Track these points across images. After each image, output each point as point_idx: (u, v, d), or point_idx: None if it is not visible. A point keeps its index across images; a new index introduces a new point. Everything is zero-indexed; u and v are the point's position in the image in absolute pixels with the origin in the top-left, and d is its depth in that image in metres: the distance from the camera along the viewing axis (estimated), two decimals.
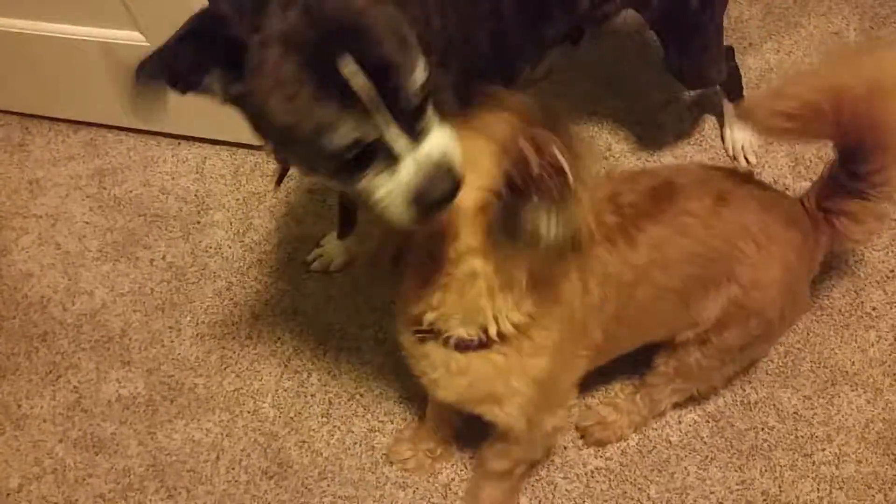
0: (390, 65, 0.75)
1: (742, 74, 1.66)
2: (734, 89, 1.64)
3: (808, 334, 1.49)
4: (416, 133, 0.79)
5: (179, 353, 1.55)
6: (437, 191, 0.79)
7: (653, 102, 1.80)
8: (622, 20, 1.91)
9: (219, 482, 1.42)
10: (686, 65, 1.49)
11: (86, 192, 1.77)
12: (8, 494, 1.43)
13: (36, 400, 1.52)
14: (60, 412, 1.51)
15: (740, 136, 1.68)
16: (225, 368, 1.53)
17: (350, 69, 0.72)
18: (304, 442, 1.45)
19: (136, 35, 1.55)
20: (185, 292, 1.61)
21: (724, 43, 1.60)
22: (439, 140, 0.81)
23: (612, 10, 1.38)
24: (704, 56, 1.48)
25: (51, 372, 1.55)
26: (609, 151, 1.73)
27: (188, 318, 1.59)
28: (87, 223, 1.73)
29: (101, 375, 1.54)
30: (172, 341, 1.56)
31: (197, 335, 1.57)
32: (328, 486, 1.41)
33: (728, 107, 1.67)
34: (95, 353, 1.56)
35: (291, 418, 1.47)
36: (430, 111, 0.81)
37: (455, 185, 0.80)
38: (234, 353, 1.54)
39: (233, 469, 1.43)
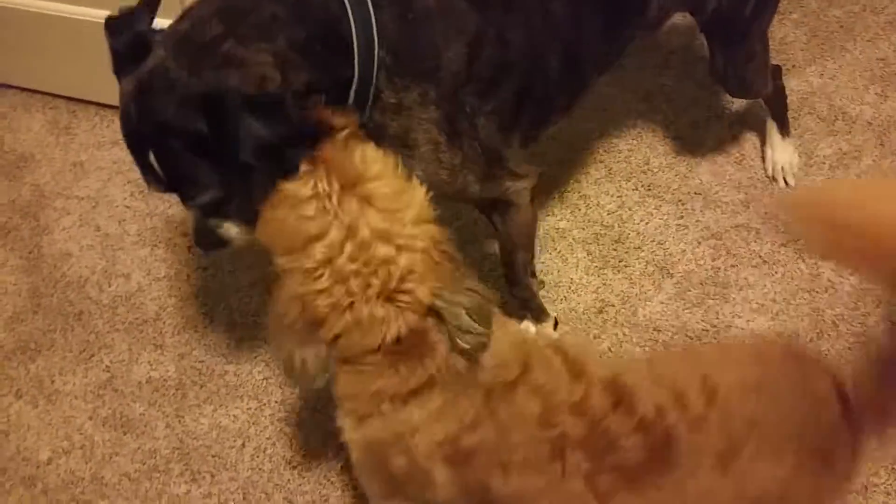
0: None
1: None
2: (778, 108, 1.64)
3: (840, 360, 1.47)
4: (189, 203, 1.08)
5: (211, 340, 1.57)
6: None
7: (693, 118, 1.80)
8: (665, 35, 1.92)
9: (243, 469, 1.43)
10: (731, 71, 1.50)
11: (127, 176, 1.80)
12: (38, 466, 1.45)
13: (69, 377, 1.55)
14: (92, 390, 1.53)
15: (781, 157, 1.67)
16: (255, 357, 1.55)
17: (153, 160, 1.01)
18: (330, 434, 1.45)
19: None
20: (221, 280, 1.64)
21: (773, 64, 1.61)
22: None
23: (670, 14, 1.40)
24: (749, 64, 1.49)
25: (84, 350, 1.58)
26: (647, 166, 1.74)
27: (222, 306, 1.61)
28: (127, 207, 1.76)
29: (133, 357, 1.56)
30: (206, 327, 1.59)
31: (230, 323, 1.59)
32: (350, 479, 1.41)
33: (771, 126, 1.67)
34: (129, 334, 1.59)
35: (318, 410, 1.48)
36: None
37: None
38: (265, 342, 1.56)
39: (257, 457, 1.44)
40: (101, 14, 1.65)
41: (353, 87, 1.05)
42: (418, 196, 0.94)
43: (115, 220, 1.74)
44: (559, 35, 1.20)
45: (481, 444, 0.96)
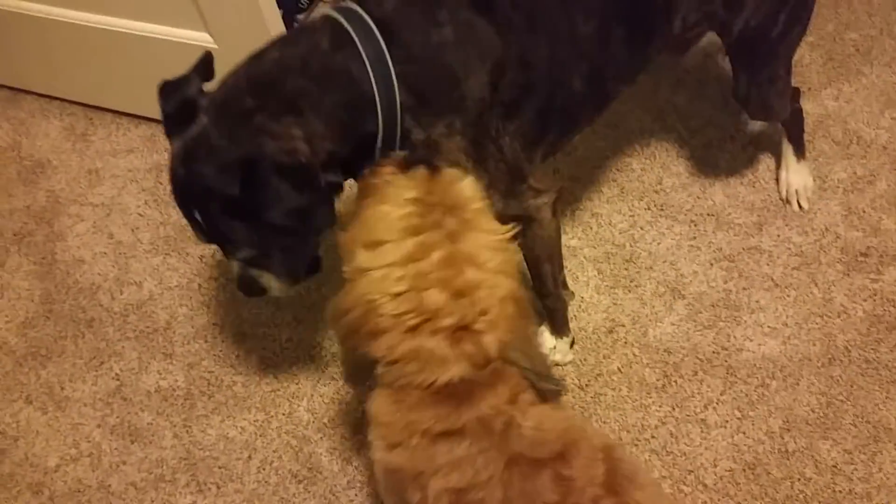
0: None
1: None
2: (795, 131, 1.64)
3: (852, 386, 1.46)
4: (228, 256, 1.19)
5: (221, 350, 1.57)
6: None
7: (707, 139, 1.79)
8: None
9: (249, 481, 1.43)
10: (754, 93, 1.49)
11: (142, 185, 1.81)
12: (45, 473, 1.46)
13: (78, 384, 1.56)
14: (101, 398, 1.54)
15: (795, 180, 1.66)
16: (264, 369, 1.55)
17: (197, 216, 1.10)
18: (335, 449, 1.46)
19: (205, 36, 1.60)
20: (232, 290, 1.64)
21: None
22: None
23: (696, 34, 1.40)
24: (772, 87, 1.48)
25: (94, 358, 1.59)
26: (660, 186, 1.73)
27: (232, 317, 1.61)
28: (140, 216, 1.77)
29: (142, 365, 1.57)
30: (215, 337, 1.59)
31: (239, 334, 1.59)
32: (356, 495, 1.41)
33: (787, 148, 1.66)
34: (139, 343, 1.60)
35: (325, 424, 1.48)
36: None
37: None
38: (275, 354, 1.56)
39: (263, 469, 1.44)
40: (119, 23, 1.68)
41: (379, 136, 1.09)
42: (510, 250, 0.96)
43: (129, 227, 1.75)
44: (582, 53, 1.20)
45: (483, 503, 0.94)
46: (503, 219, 1.26)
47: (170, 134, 1.11)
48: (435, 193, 0.93)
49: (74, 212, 1.79)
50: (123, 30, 1.69)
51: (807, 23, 1.43)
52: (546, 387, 0.95)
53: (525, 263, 1.38)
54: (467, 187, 0.96)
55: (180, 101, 1.09)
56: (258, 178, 1.02)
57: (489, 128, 1.13)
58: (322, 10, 1.11)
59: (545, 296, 1.43)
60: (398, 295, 0.90)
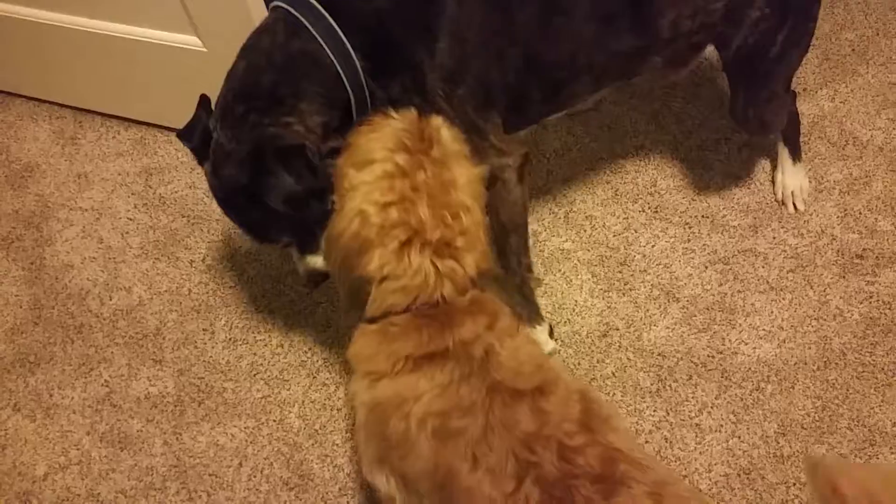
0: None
1: None
2: (792, 134, 1.62)
3: (847, 390, 1.45)
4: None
5: (211, 356, 1.56)
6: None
7: (702, 140, 1.78)
8: None
9: (239, 489, 1.42)
10: (752, 112, 1.47)
11: (132, 188, 1.80)
12: (34, 481, 1.44)
13: (67, 391, 1.54)
14: (90, 405, 1.52)
15: (791, 182, 1.65)
16: (255, 375, 1.53)
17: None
18: (326, 456, 1.44)
19: (194, 40, 1.58)
20: (222, 296, 1.63)
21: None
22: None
23: (692, 43, 1.35)
24: (769, 106, 1.46)
25: (84, 364, 1.57)
26: (654, 188, 1.72)
27: (223, 322, 1.60)
28: (130, 220, 1.75)
29: (132, 372, 1.55)
30: (205, 343, 1.57)
31: (230, 339, 1.57)
32: (348, 502, 1.40)
33: (783, 150, 1.65)
34: (129, 349, 1.58)
35: (316, 431, 1.47)
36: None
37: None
38: (265, 360, 1.55)
39: (254, 477, 1.43)
40: (109, 27, 1.67)
41: (353, 101, 1.20)
42: (482, 184, 1.05)
43: (118, 232, 1.74)
44: (516, 39, 1.23)
45: (466, 431, 0.97)
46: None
47: (202, 163, 1.25)
48: (423, 126, 1.02)
49: (63, 216, 1.77)
50: (113, 33, 1.67)
51: (807, 46, 1.41)
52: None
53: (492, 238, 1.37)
54: (450, 131, 1.05)
55: (200, 136, 1.23)
56: (264, 165, 1.14)
57: (436, 87, 1.20)
58: (272, 4, 1.21)
59: (509, 274, 1.43)
60: (387, 205, 0.96)
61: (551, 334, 1.52)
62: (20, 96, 1.97)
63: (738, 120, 1.51)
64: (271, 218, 1.20)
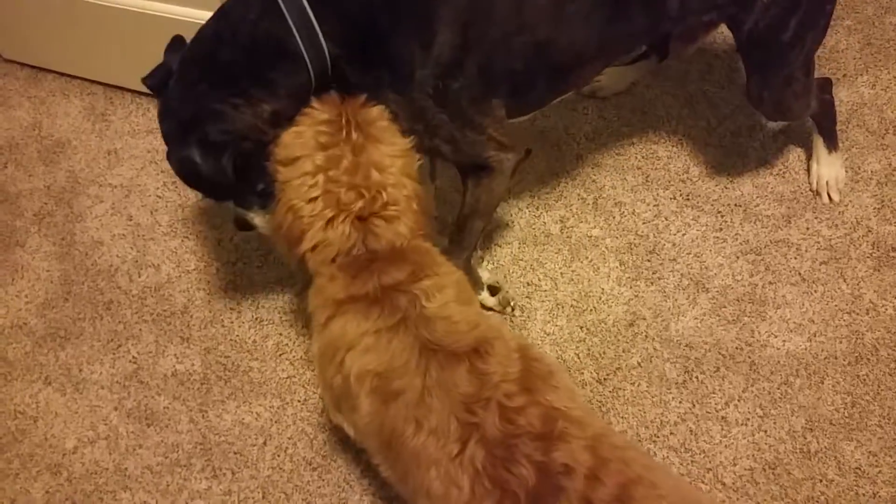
0: None
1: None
2: (826, 123, 1.58)
3: (879, 386, 1.42)
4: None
5: (238, 335, 1.57)
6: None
7: (736, 127, 1.74)
8: (709, 40, 1.86)
9: (263, 468, 1.44)
10: (767, 96, 1.44)
11: (161, 166, 1.80)
12: (64, 454, 1.47)
13: (96, 366, 1.56)
14: (118, 381, 1.54)
15: (826, 172, 1.61)
16: (280, 355, 1.54)
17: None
18: (349, 437, 1.45)
19: None
20: (250, 276, 1.63)
21: (822, 75, 1.55)
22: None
23: (703, 21, 1.35)
24: (787, 90, 1.43)
25: (112, 340, 1.59)
26: (686, 175, 1.69)
27: (249, 301, 1.60)
28: (159, 197, 1.76)
29: (160, 349, 1.57)
30: (232, 322, 1.58)
31: (256, 319, 1.58)
32: (369, 484, 1.41)
33: (818, 139, 1.61)
34: (157, 325, 1.60)
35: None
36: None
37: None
38: (291, 340, 1.55)
39: (278, 456, 1.44)
40: (140, 3, 1.66)
41: (313, 86, 1.18)
42: (411, 157, 1.14)
43: (148, 209, 1.75)
44: (526, 22, 1.20)
45: (404, 394, 1.02)
46: (461, 164, 1.33)
47: (157, 94, 1.28)
48: (344, 114, 1.11)
49: (94, 192, 1.78)
50: (146, 10, 1.67)
51: (823, 27, 1.37)
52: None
53: (458, 214, 1.40)
54: (374, 109, 1.13)
55: (161, 76, 1.26)
56: (190, 137, 1.18)
57: (425, 85, 1.18)
58: None
59: (458, 249, 1.44)
60: (313, 199, 1.08)
61: (494, 292, 1.54)
62: (52, 72, 1.98)
63: (754, 103, 1.47)
64: (201, 177, 1.22)
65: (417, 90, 1.18)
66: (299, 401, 1.49)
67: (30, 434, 1.50)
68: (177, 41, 1.29)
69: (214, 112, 1.16)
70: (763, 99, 1.45)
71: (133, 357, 1.57)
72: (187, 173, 1.22)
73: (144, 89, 1.89)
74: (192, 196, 1.75)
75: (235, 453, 1.45)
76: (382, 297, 1.06)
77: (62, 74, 1.97)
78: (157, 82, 1.26)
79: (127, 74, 1.90)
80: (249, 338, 1.57)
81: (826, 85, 1.55)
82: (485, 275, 1.57)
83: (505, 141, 1.31)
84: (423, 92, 1.19)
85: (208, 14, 1.58)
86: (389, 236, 1.09)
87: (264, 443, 1.46)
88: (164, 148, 1.81)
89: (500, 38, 1.19)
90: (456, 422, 0.99)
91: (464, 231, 1.42)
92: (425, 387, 1.01)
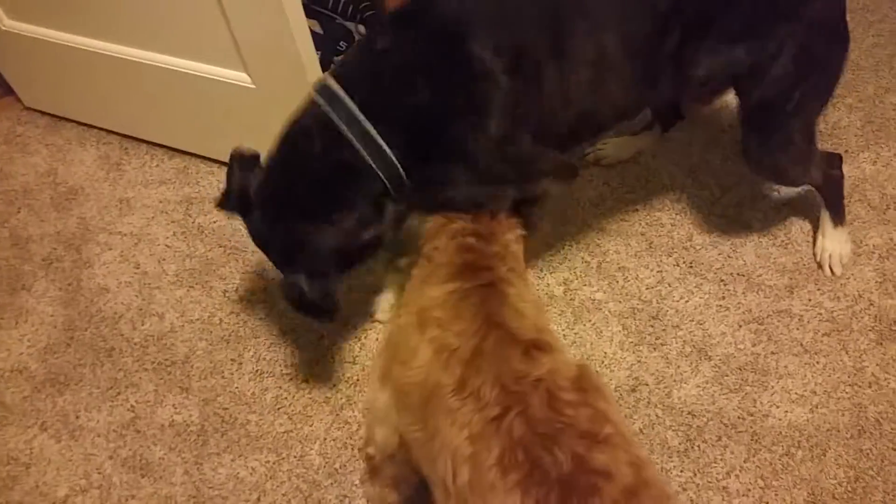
0: None
1: None
2: (833, 197, 1.61)
3: (882, 461, 1.41)
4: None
5: (237, 387, 1.56)
6: None
7: (739, 198, 1.77)
8: (715, 112, 1.91)
9: None
10: (764, 155, 1.48)
11: (172, 216, 1.83)
12: (54, 503, 1.45)
13: (94, 413, 1.55)
14: (115, 429, 1.53)
15: (831, 246, 1.63)
16: (278, 409, 1.53)
17: None
18: (345, 496, 1.43)
19: (243, 76, 1.62)
20: (252, 327, 1.64)
21: (826, 150, 1.58)
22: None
23: (721, 87, 1.43)
24: (785, 154, 1.46)
25: (111, 388, 1.58)
26: (690, 242, 1.71)
27: (251, 353, 1.60)
28: (168, 247, 1.78)
29: (158, 398, 1.56)
30: (232, 374, 1.58)
31: (256, 371, 1.58)
32: None
33: (824, 213, 1.63)
34: (157, 374, 1.59)
35: (336, 469, 1.46)
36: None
37: None
38: (290, 394, 1.55)
39: None
40: (161, 59, 1.71)
41: (391, 190, 1.23)
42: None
43: (156, 258, 1.76)
44: (572, 100, 1.26)
45: (458, 349, 1.03)
46: (520, 203, 1.36)
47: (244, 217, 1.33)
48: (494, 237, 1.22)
49: (103, 240, 1.80)
50: (164, 65, 1.72)
51: (827, 96, 1.42)
52: None
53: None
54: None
55: (237, 197, 1.30)
56: (292, 266, 1.27)
57: (488, 152, 1.23)
58: (310, 93, 1.23)
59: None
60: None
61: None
62: (70, 121, 2.03)
63: (750, 162, 1.51)
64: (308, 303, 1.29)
65: (483, 161, 1.24)
66: (295, 456, 1.48)
67: (21, 481, 1.48)
68: (237, 159, 1.32)
69: (307, 242, 1.23)
70: (760, 160, 1.49)
71: (131, 405, 1.56)
72: (293, 300, 1.28)
73: (159, 140, 1.95)
74: (200, 247, 1.77)
75: None
76: (471, 266, 1.14)
77: (80, 124, 2.02)
78: (235, 207, 1.32)
79: (143, 126, 1.95)
80: (249, 390, 1.56)
81: (835, 160, 1.58)
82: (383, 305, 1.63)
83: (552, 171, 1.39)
84: (487, 160, 1.25)
85: (224, 71, 1.65)
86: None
87: (258, 499, 1.44)
88: (174, 198, 1.87)
89: (547, 114, 1.25)
90: (500, 388, 0.97)
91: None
92: (479, 348, 1.02)
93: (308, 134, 1.22)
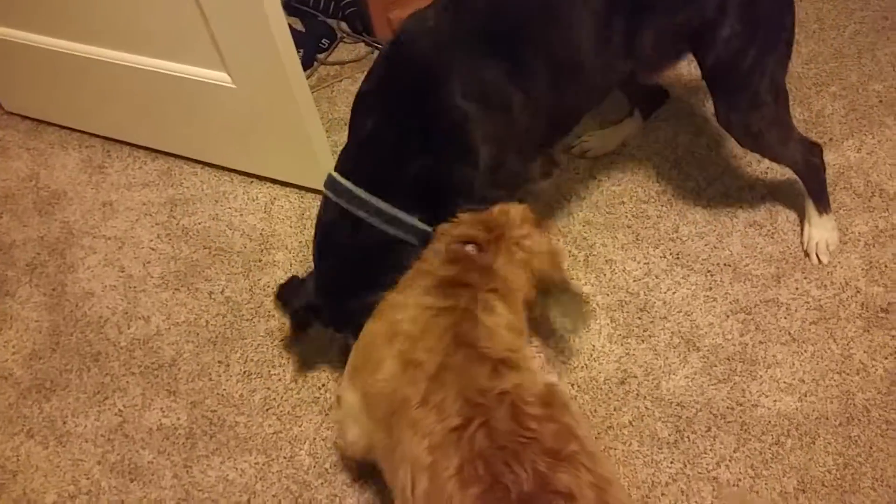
0: None
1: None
2: (814, 186, 1.61)
3: (871, 448, 1.41)
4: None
5: (225, 389, 1.55)
6: None
7: (725, 188, 1.77)
8: (699, 101, 1.90)
9: None
10: (734, 118, 1.49)
11: (156, 219, 1.82)
12: None
13: (81, 419, 1.54)
14: (102, 434, 1.52)
15: (817, 234, 1.63)
16: (267, 410, 1.52)
17: None
18: (335, 496, 1.42)
19: (224, 76, 1.61)
20: (239, 328, 1.63)
21: (809, 138, 1.58)
22: None
23: (676, 52, 1.48)
24: (756, 113, 1.47)
25: (98, 392, 1.57)
26: (676, 234, 1.71)
27: (238, 355, 1.59)
28: (152, 249, 1.77)
29: (146, 402, 1.55)
30: (220, 376, 1.57)
31: (244, 373, 1.57)
32: None
33: (809, 202, 1.63)
34: (144, 378, 1.58)
35: (326, 470, 1.45)
36: None
37: None
38: (278, 395, 1.54)
39: None
40: (142, 60, 1.70)
41: (424, 241, 1.32)
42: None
43: (140, 261, 1.75)
44: (543, 105, 1.36)
45: (423, 364, 1.04)
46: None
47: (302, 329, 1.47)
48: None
49: (87, 244, 1.79)
50: (145, 67, 1.71)
51: (784, 53, 1.45)
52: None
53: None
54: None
55: (303, 314, 1.44)
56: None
57: (483, 184, 1.35)
58: (325, 189, 1.36)
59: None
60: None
61: None
62: (52, 125, 2.02)
63: (724, 125, 1.53)
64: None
65: (479, 191, 1.34)
66: (285, 457, 1.47)
67: (8, 488, 1.47)
68: (281, 290, 1.45)
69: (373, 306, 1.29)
70: (731, 121, 1.50)
71: (119, 410, 1.55)
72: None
73: (141, 142, 1.93)
74: (184, 249, 1.76)
75: None
76: (451, 282, 1.14)
77: (62, 127, 2.00)
78: (307, 318, 1.44)
79: (125, 128, 1.93)
80: (237, 392, 1.55)
81: (815, 149, 1.58)
82: (568, 374, 1.62)
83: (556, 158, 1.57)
84: (483, 189, 1.35)
85: (204, 71, 1.64)
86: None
87: (248, 500, 1.43)
88: (158, 200, 1.86)
89: (523, 129, 1.35)
90: (464, 400, 0.98)
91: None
92: (445, 364, 1.03)
93: (335, 227, 1.37)
